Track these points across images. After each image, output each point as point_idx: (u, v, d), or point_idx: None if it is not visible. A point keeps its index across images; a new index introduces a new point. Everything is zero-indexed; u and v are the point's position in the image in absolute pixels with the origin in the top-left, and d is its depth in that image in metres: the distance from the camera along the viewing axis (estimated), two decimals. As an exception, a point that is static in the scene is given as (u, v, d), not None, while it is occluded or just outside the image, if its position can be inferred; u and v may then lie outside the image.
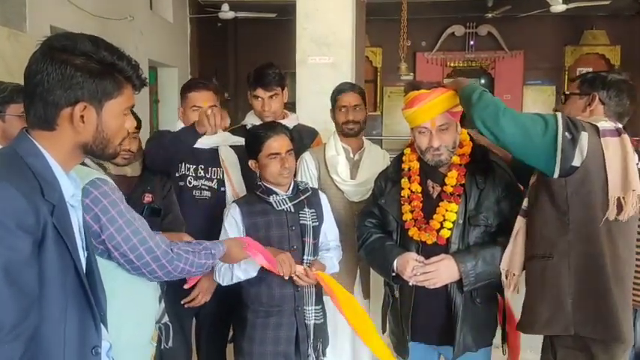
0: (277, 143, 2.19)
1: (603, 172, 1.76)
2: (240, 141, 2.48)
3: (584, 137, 1.73)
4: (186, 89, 2.58)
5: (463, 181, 2.02)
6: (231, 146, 2.61)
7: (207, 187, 2.53)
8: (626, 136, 1.80)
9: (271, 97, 2.74)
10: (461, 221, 2.01)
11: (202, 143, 2.46)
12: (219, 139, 2.55)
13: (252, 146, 2.24)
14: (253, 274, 2.14)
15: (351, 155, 2.65)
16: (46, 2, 4.48)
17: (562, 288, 1.81)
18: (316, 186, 2.52)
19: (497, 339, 2.16)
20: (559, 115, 1.77)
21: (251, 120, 2.81)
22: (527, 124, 1.76)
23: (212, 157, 2.55)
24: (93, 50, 1.19)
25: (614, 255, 1.80)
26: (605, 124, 1.81)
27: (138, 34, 6.33)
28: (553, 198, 1.80)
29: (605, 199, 1.76)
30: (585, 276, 1.79)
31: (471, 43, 10.48)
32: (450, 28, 10.44)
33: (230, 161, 2.58)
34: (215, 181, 2.55)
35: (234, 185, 2.55)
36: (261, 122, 2.62)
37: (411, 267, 1.98)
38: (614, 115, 1.93)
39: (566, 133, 1.72)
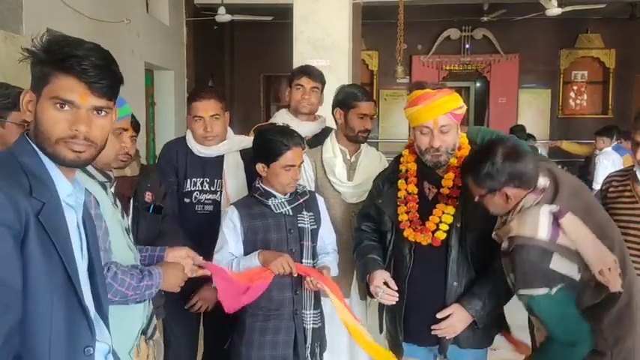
0: (295, 156, 2.16)
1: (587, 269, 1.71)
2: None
3: (557, 261, 1.68)
4: (189, 99, 2.57)
5: (460, 184, 2.02)
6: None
7: (210, 201, 2.51)
8: (565, 218, 1.70)
9: (313, 89, 2.83)
10: (459, 224, 2.01)
11: (209, 152, 2.47)
12: (225, 147, 2.52)
13: (267, 152, 2.16)
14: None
15: (348, 157, 2.65)
16: (43, 5, 4.46)
17: None
18: (313, 188, 2.52)
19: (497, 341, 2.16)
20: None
21: (282, 117, 2.81)
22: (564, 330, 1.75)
23: (217, 168, 2.50)
24: None
25: (632, 284, 1.79)
26: (544, 224, 1.69)
27: (134, 37, 6.32)
28: None
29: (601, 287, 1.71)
30: (623, 332, 1.76)
31: (467, 46, 10.50)
32: (445, 32, 10.46)
33: (231, 170, 2.52)
34: (219, 193, 2.52)
35: (229, 195, 2.50)
36: (294, 119, 2.74)
37: (374, 287, 2.07)
38: (531, 183, 1.77)
39: (558, 288, 1.69)
